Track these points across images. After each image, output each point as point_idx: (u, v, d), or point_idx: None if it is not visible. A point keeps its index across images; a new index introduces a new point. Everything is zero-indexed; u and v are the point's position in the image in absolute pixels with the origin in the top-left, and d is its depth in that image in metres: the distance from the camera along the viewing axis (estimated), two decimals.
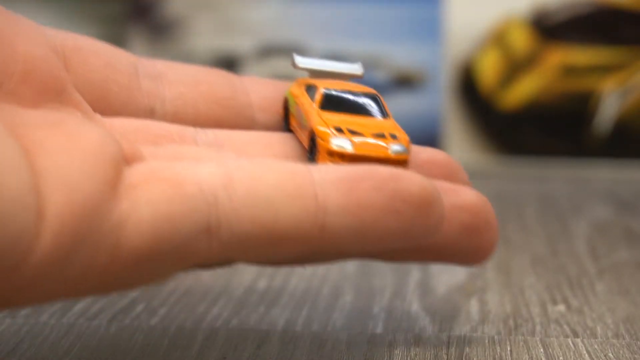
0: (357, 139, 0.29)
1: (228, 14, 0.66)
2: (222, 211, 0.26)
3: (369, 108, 0.31)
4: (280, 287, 0.39)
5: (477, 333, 0.34)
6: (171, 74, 0.33)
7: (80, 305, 0.36)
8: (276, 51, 0.65)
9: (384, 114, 0.31)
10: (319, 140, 0.29)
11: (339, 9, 0.65)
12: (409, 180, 0.27)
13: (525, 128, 0.66)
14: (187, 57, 0.66)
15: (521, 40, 0.66)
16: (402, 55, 0.64)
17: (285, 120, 0.33)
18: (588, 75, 0.65)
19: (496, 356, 0.32)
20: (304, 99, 0.32)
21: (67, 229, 0.24)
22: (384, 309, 0.37)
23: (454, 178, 0.32)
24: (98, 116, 0.31)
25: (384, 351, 0.32)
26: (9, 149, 0.25)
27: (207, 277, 0.40)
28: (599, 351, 0.33)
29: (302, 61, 0.33)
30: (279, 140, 0.32)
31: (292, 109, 0.32)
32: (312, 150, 0.30)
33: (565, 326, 0.35)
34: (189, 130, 0.32)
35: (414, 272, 0.41)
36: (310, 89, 0.32)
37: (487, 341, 0.33)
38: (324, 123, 0.30)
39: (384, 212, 0.27)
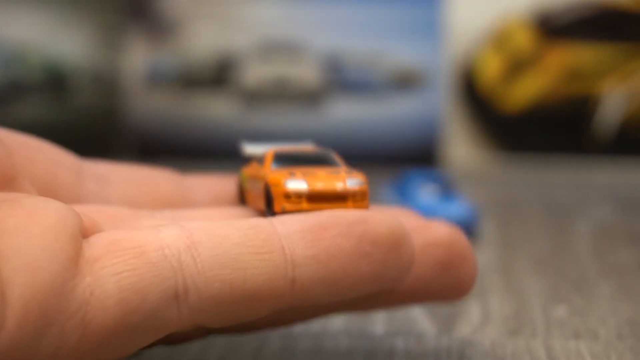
0: (311, 180, 0.28)
1: (228, 13, 0.66)
2: (189, 275, 0.25)
3: (322, 160, 0.30)
4: None
5: (478, 335, 0.34)
6: (115, 175, 0.32)
7: None
8: (276, 50, 0.65)
9: (337, 164, 0.30)
10: (273, 188, 0.29)
11: (339, 9, 0.65)
12: (375, 221, 0.27)
13: (528, 129, 0.66)
14: (187, 57, 0.66)
15: (523, 40, 0.66)
16: (403, 55, 0.64)
17: (240, 196, 0.33)
18: (591, 76, 0.65)
19: (497, 359, 0.32)
20: (255, 168, 0.31)
21: (32, 313, 0.23)
22: (384, 310, 0.36)
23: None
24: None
25: (384, 353, 0.32)
26: None
27: None
28: (601, 353, 0.32)
29: (250, 148, 0.33)
30: (238, 212, 0.31)
31: (246, 185, 0.32)
32: (269, 204, 0.29)
33: (567, 328, 0.35)
34: (144, 212, 0.30)
35: None
36: (261, 160, 0.31)
37: (488, 343, 0.33)
38: (277, 172, 0.29)
39: (353, 257, 0.27)
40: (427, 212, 0.44)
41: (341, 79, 0.64)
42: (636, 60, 0.65)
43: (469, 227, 0.46)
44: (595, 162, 0.65)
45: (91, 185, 0.32)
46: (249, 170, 0.32)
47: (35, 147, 0.31)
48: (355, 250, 0.27)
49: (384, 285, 0.28)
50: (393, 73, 0.64)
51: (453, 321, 0.35)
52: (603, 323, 0.35)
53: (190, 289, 0.25)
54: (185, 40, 0.66)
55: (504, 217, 0.51)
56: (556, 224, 0.51)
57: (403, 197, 0.50)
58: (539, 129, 0.66)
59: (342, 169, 0.30)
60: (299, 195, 0.28)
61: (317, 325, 0.35)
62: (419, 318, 0.36)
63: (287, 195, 0.28)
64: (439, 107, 0.64)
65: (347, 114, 0.64)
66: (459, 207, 0.47)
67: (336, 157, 0.31)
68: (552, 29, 0.66)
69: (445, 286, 0.30)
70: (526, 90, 0.66)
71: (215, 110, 0.66)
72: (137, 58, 0.66)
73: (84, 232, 0.26)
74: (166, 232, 0.26)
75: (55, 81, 0.66)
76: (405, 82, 0.64)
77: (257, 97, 0.66)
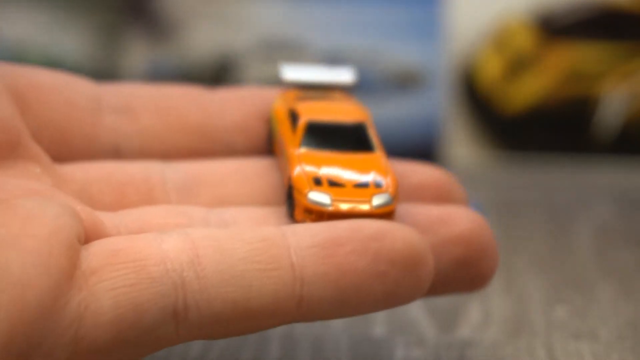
0: (336, 196, 0.27)
1: (228, 13, 0.66)
2: (190, 292, 0.24)
3: (355, 142, 0.29)
4: None
5: (478, 336, 0.34)
6: (137, 104, 0.31)
7: None
8: (277, 49, 0.65)
9: (371, 146, 0.29)
10: (296, 194, 0.27)
11: (339, 8, 0.65)
12: (393, 237, 0.26)
13: (528, 129, 0.66)
14: (187, 56, 0.66)
15: (524, 40, 0.66)
16: (403, 54, 0.64)
17: (269, 140, 0.31)
18: (592, 76, 0.65)
19: (497, 359, 0.32)
20: (286, 127, 0.30)
21: (18, 335, 0.22)
22: (384, 311, 0.36)
23: (449, 198, 0.30)
24: (58, 170, 0.29)
25: (385, 354, 0.32)
26: None
27: None
28: (602, 354, 0.32)
29: (290, 74, 0.32)
30: (257, 172, 0.30)
31: (275, 133, 0.30)
32: (289, 198, 0.28)
33: (567, 328, 0.35)
34: (156, 170, 0.29)
35: None
36: (294, 117, 0.30)
37: (488, 344, 0.33)
38: (303, 173, 0.28)
39: (366, 276, 0.25)
40: None
41: None
42: (637, 61, 0.65)
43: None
44: (596, 162, 0.65)
45: (110, 120, 0.30)
46: (281, 115, 0.30)
47: (49, 87, 0.29)
48: (369, 268, 0.25)
49: (396, 304, 0.26)
50: (393, 73, 0.64)
51: (453, 321, 0.35)
52: (604, 323, 0.35)
53: (190, 306, 0.24)
54: (186, 39, 0.66)
55: (504, 217, 0.50)
56: (557, 224, 0.50)
57: None
58: (539, 129, 0.66)
59: (375, 164, 0.28)
60: (320, 213, 0.27)
61: (317, 326, 0.35)
62: (419, 318, 0.36)
63: (308, 210, 0.27)
64: (440, 107, 0.64)
65: None
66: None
67: (370, 133, 0.29)
68: (553, 29, 0.66)
69: (463, 281, 0.29)
70: (527, 90, 0.66)
71: None
72: (137, 57, 0.66)
73: (85, 236, 0.25)
74: (170, 243, 0.25)
75: None
76: (405, 82, 0.64)
77: None
